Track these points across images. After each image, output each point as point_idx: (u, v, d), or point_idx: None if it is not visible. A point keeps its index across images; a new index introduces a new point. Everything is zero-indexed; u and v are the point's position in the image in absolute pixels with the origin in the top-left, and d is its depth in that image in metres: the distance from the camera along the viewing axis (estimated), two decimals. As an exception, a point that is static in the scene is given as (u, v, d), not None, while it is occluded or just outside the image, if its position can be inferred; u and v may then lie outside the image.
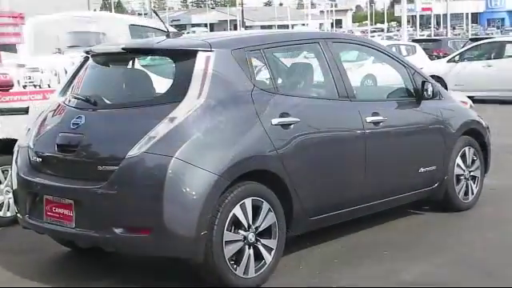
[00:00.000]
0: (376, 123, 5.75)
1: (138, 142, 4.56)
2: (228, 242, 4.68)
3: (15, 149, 5.47)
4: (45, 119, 5.37)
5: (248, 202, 4.79)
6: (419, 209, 6.78)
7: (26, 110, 6.82)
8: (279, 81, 5.26)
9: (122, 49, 5.19)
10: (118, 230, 4.56)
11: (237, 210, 4.72)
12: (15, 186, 5.33)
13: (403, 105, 6.22)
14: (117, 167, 4.56)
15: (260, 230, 4.87)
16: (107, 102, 5.07)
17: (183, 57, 4.95)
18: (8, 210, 6.79)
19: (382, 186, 5.92)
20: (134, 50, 5.42)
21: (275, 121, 5.00)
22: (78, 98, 5.19)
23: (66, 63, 7.20)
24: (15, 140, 6.64)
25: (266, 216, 4.90)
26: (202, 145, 4.62)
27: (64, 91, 5.54)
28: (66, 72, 7.15)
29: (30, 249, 5.92)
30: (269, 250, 4.93)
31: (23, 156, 5.27)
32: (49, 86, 6.99)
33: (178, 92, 4.79)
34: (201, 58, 4.85)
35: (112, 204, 4.58)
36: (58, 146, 4.97)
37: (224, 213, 4.64)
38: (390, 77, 6.50)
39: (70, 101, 5.33)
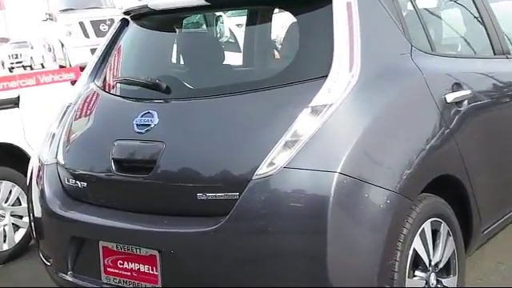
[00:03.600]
0: (537, 87, 4.11)
1: (269, 151, 2.74)
2: (410, 295, 2.99)
3: (32, 165, 3.59)
4: (75, 118, 3.52)
5: (427, 227, 3.08)
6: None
7: (15, 102, 5.02)
8: (433, 35, 3.50)
9: (206, 0, 3.26)
10: (248, 297, 2.78)
11: (417, 243, 3.00)
12: (39, 221, 3.48)
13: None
14: (238, 194, 2.74)
15: (440, 266, 3.18)
16: (189, 86, 3.21)
17: (306, 6, 3.12)
18: (5, 242, 4.97)
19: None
20: (224, 1, 3.48)
21: (450, 97, 3.26)
22: (134, 83, 3.32)
23: (61, 33, 5.33)
24: (7, 145, 4.92)
25: (445, 244, 3.21)
26: (370, 148, 2.84)
27: (96, 72, 3.68)
28: (63, 45, 5.28)
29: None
30: (449, 292, 3.27)
31: (50, 178, 3.40)
32: (42, 66, 5.26)
33: (311, 64, 2.97)
34: (339, 5, 3.01)
35: (235, 256, 2.78)
36: (117, 163, 3.11)
37: (405, 251, 2.91)
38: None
39: (113, 87, 3.48)
